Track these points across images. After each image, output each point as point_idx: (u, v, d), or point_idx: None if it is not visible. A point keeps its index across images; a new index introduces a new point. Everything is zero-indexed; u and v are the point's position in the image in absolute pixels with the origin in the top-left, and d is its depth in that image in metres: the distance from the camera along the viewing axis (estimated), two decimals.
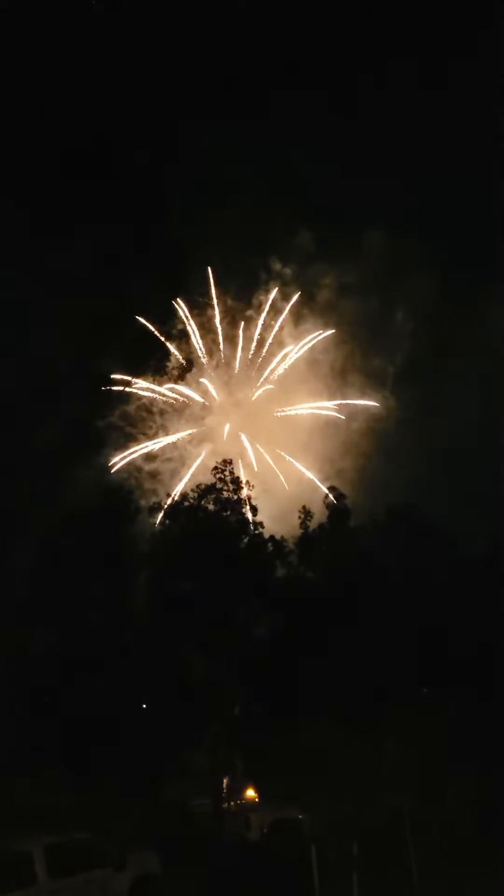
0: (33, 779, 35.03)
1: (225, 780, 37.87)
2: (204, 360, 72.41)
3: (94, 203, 33.10)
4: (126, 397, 60.94)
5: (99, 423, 40.91)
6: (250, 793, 39.38)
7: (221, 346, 73.30)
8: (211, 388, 73.18)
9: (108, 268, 38.11)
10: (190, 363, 45.37)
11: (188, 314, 70.28)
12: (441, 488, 65.35)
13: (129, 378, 40.35)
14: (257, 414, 75.00)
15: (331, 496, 39.52)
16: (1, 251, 32.84)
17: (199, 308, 72.42)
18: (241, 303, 76.37)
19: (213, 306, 72.61)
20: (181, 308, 70.29)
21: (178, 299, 65.34)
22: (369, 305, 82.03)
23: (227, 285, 77.24)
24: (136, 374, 41.34)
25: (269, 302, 75.70)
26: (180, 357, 47.43)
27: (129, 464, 70.94)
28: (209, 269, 74.10)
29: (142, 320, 39.82)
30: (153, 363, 41.16)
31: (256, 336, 74.24)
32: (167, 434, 71.52)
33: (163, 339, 41.81)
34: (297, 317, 78.60)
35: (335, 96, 64.09)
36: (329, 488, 39.77)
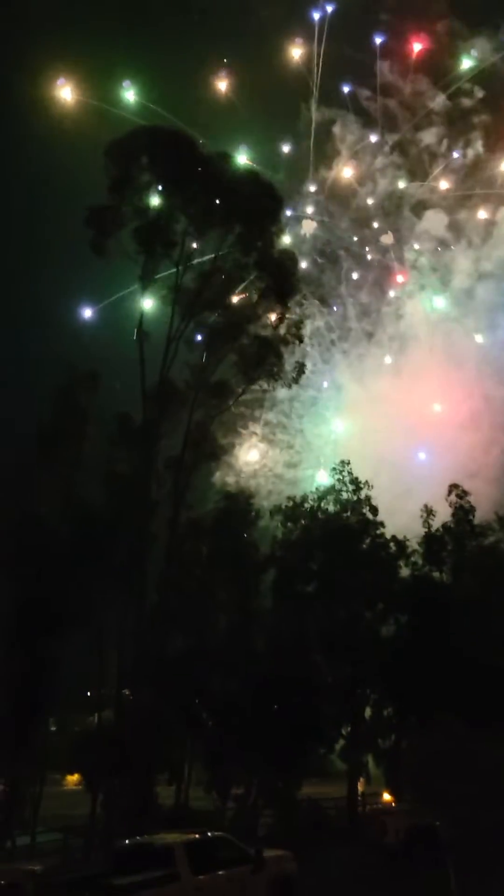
0: (172, 778, 36.51)
1: (360, 783, 37.72)
2: None
3: None
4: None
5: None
6: (386, 796, 38.95)
7: None
8: None
9: None
10: (303, 366, 45.49)
11: None
12: None
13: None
14: None
15: (454, 494, 38.53)
16: None
17: None
18: None
19: None
20: None
21: None
22: None
23: None
24: (252, 381, 41.98)
25: None
26: None
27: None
28: None
29: None
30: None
31: None
32: None
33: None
34: None
35: None
36: (451, 486, 38.79)
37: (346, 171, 73.70)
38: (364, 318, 74.23)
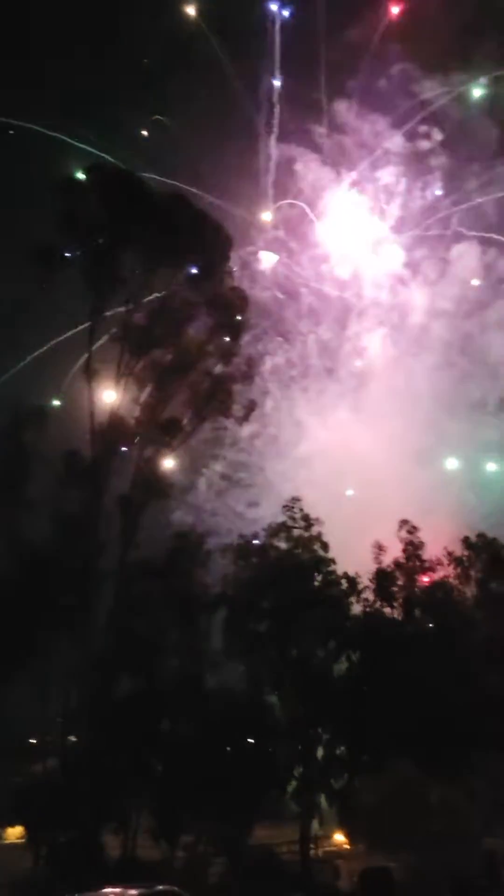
0: (120, 827, 35.41)
1: (312, 826, 36.94)
2: None
3: None
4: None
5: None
6: (339, 838, 38.26)
7: None
8: None
9: None
10: (254, 403, 45.81)
11: None
12: None
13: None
14: None
15: (404, 530, 38.65)
16: None
17: None
18: None
19: None
20: None
21: None
22: None
23: None
24: (203, 419, 42.06)
25: None
26: None
27: None
28: None
29: None
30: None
31: None
32: None
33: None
34: None
35: None
36: (402, 522, 38.91)
37: (304, 207, 74.91)
38: (324, 353, 74.89)
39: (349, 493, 66.13)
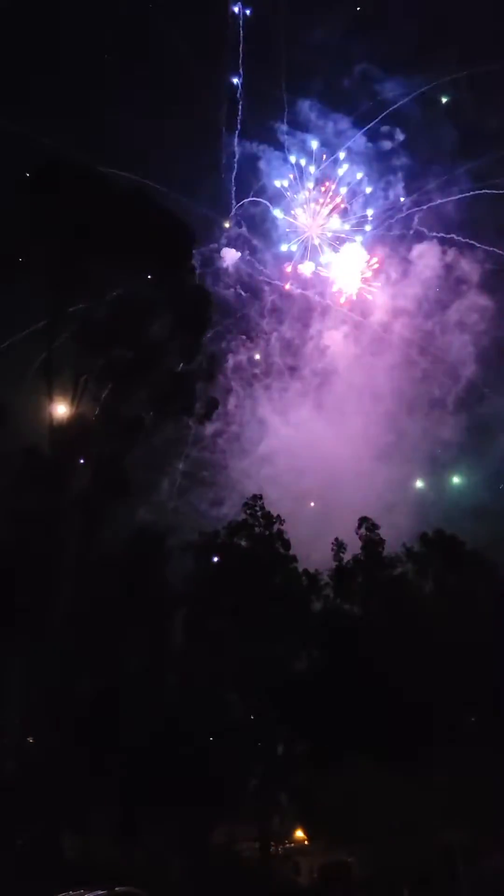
0: (79, 828, 35.13)
1: (272, 822, 37.09)
2: None
3: None
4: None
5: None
6: (299, 834, 38.50)
7: None
8: None
9: None
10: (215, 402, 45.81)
11: None
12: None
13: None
14: None
15: (364, 527, 39.02)
16: None
17: None
18: None
19: None
20: None
21: None
22: None
23: None
24: (165, 417, 41.87)
25: None
26: None
27: None
28: None
29: None
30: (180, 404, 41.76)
31: None
32: None
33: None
34: None
35: None
36: (361, 519, 39.27)
37: (267, 205, 75.01)
38: (286, 352, 75.11)
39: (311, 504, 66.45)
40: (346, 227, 75.40)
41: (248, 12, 68.36)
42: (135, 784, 33.90)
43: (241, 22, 68.84)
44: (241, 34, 69.34)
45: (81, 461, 39.32)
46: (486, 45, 65.05)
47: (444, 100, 70.77)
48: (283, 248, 75.51)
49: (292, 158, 74.22)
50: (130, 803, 34.18)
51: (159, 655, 37.25)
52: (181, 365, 42.75)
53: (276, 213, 75.05)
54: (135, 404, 41.92)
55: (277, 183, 74.77)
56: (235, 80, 70.67)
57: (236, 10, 68.45)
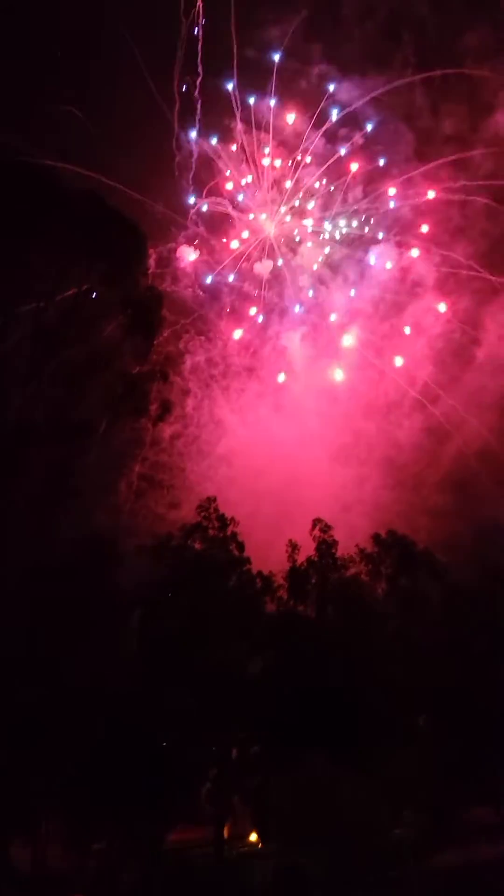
0: (29, 836, 34.55)
1: (227, 826, 36.97)
2: None
3: None
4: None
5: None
6: (253, 837, 38.40)
7: None
8: None
9: None
10: (168, 404, 45.54)
11: None
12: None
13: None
14: None
15: (318, 528, 39.14)
16: None
17: None
18: None
19: None
20: None
21: None
22: None
23: None
24: (116, 420, 41.46)
25: None
26: None
27: None
28: None
29: None
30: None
31: None
32: None
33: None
34: None
35: None
36: (315, 521, 39.38)
37: (224, 205, 74.86)
38: (244, 352, 75.07)
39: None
40: (305, 227, 75.89)
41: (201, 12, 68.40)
42: (86, 791, 33.44)
43: (198, 21, 68.84)
44: (201, 32, 69.26)
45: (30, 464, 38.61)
46: (442, 50, 66.29)
47: (399, 103, 71.69)
48: (241, 247, 75.72)
49: (250, 159, 74.39)
50: (81, 810, 33.72)
51: (111, 659, 36.75)
52: (134, 366, 42.36)
53: (234, 212, 75.14)
54: (87, 406, 41.46)
55: (233, 183, 74.90)
56: (193, 79, 70.73)
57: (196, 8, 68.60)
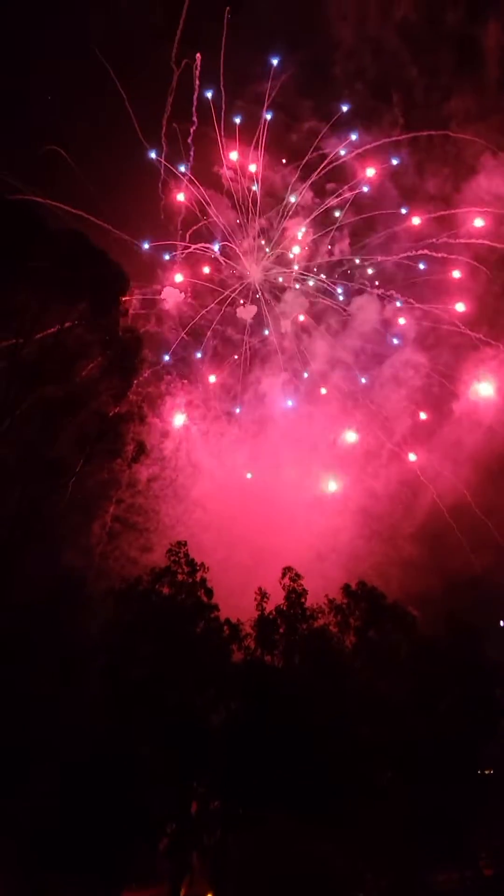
0: None
1: (184, 885, 35.51)
2: None
3: None
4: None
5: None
6: None
7: None
8: None
9: None
10: (143, 445, 45.41)
11: None
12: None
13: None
14: None
15: (287, 577, 38.70)
16: None
17: None
18: None
19: None
20: None
21: None
22: None
23: None
24: (90, 461, 41.13)
25: None
26: None
27: None
28: None
29: None
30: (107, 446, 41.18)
31: None
32: None
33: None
34: None
35: None
36: (285, 569, 38.96)
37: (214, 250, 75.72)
38: (225, 397, 75.20)
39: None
40: (290, 274, 76.83)
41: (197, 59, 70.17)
42: (39, 843, 32.18)
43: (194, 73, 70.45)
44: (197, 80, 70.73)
45: None
46: (426, 111, 68.34)
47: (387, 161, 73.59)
48: (225, 291, 76.45)
49: (238, 206, 75.54)
50: (34, 865, 32.39)
51: (72, 707, 35.76)
52: (111, 407, 42.32)
53: (219, 256, 76.00)
54: (62, 446, 41.18)
55: (220, 228, 75.80)
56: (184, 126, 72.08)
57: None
